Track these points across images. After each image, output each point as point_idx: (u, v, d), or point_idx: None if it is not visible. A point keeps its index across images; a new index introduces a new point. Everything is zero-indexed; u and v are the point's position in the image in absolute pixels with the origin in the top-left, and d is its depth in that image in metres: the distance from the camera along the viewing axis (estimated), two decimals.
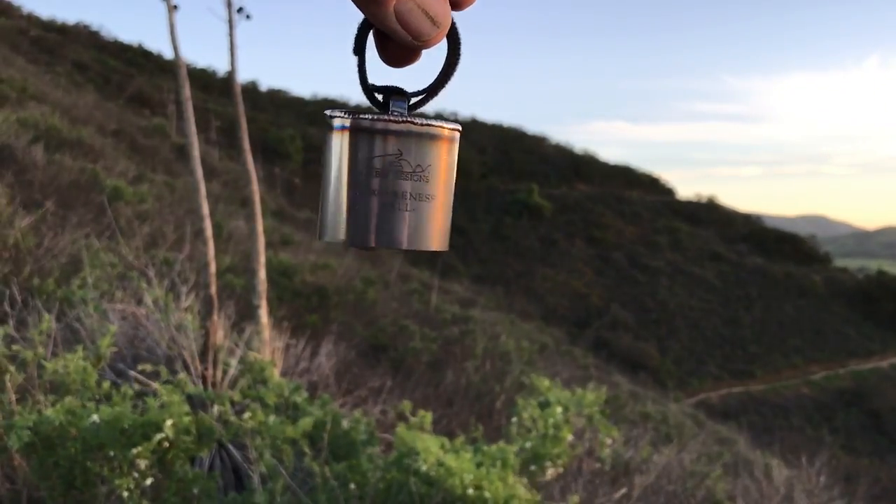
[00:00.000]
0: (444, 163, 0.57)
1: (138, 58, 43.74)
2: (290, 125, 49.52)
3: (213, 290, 4.29)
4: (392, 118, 0.55)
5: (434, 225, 0.56)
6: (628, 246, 56.14)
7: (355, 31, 0.56)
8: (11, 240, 5.43)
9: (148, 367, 3.43)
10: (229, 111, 5.36)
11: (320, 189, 0.58)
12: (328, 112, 0.56)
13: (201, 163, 4.73)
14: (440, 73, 0.57)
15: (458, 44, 0.56)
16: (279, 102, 57.94)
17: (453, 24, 0.54)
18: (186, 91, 4.69)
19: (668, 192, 73.72)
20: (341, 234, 0.56)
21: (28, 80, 15.83)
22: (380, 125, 0.54)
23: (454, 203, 0.59)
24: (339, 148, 0.55)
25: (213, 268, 4.40)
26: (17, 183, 7.26)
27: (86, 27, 44.34)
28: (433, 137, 0.56)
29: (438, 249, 0.57)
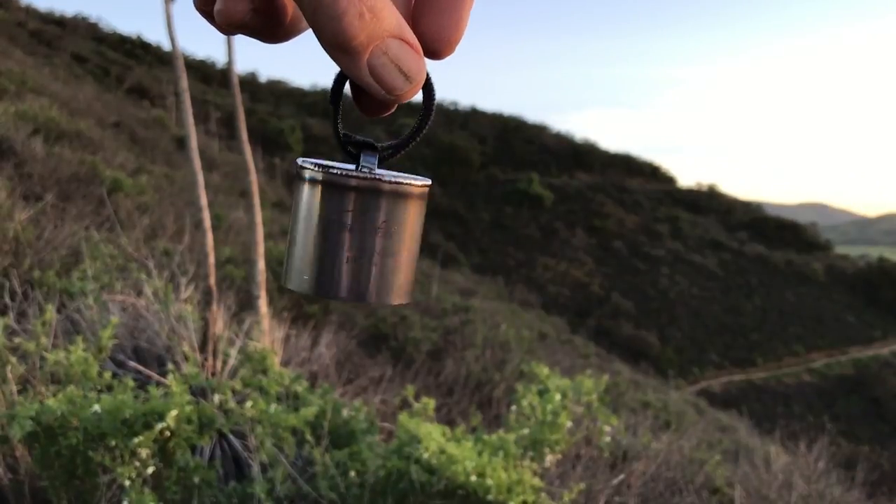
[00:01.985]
0: (411, 218, 0.57)
1: (137, 49, 43.67)
2: (290, 116, 49.50)
3: (213, 280, 4.31)
4: (361, 174, 0.54)
5: (399, 280, 0.57)
6: (629, 235, 56.11)
7: (332, 83, 0.56)
8: (11, 232, 5.44)
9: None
10: (229, 102, 5.37)
11: (288, 235, 0.58)
12: (299, 161, 0.57)
13: (201, 154, 4.74)
14: (413, 127, 0.57)
15: (433, 98, 0.56)
16: (279, 93, 57.88)
17: (428, 77, 0.54)
18: (184, 82, 4.69)
19: (668, 181, 73.63)
20: (306, 284, 0.56)
21: (27, 73, 15.81)
22: (351, 181, 0.54)
23: (419, 255, 0.59)
24: (307, 199, 0.56)
25: (212, 259, 4.41)
26: (16, 175, 7.27)
27: (84, 19, 44.29)
28: (401, 195, 0.56)
29: (401, 303, 0.58)
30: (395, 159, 0.59)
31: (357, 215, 0.54)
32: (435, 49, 0.54)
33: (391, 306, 0.58)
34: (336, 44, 0.49)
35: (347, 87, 0.56)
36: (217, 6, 0.52)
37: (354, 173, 0.55)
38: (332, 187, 0.55)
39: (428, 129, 0.58)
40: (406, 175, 0.57)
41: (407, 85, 0.51)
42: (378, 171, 0.56)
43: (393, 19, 0.50)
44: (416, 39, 0.52)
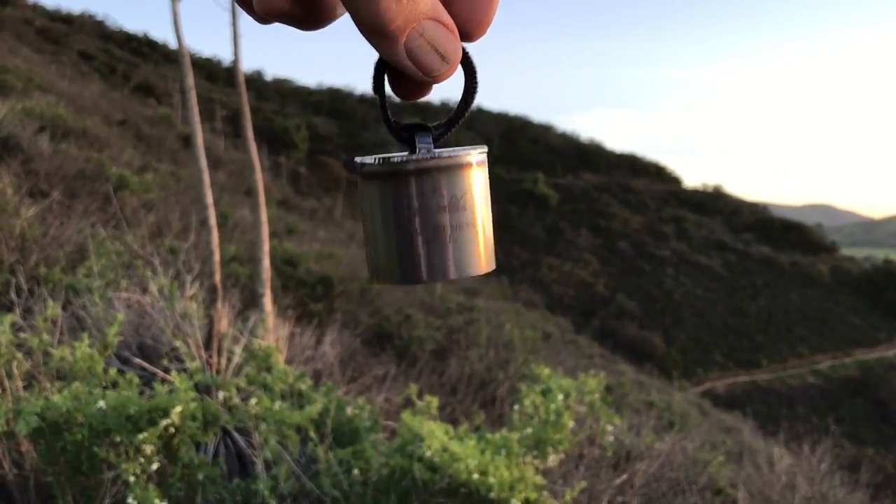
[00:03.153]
0: (477, 188, 0.58)
1: (143, 47, 43.73)
2: (295, 114, 49.51)
3: (217, 278, 4.32)
4: (419, 156, 0.56)
5: (478, 249, 0.57)
6: (634, 235, 56.05)
7: (373, 71, 0.56)
8: (18, 229, 5.46)
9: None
10: (235, 101, 5.38)
11: (364, 233, 0.59)
12: (358, 159, 0.58)
13: (206, 152, 4.75)
14: (459, 103, 0.58)
15: (475, 74, 0.57)
16: (285, 92, 57.89)
17: (467, 55, 0.55)
18: (190, 80, 4.70)
19: (674, 181, 73.56)
20: (394, 275, 0.57)
21: (33, 70, 15.85)
22: (411, 164, 0.55)
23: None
24: (375, 193, 0.56)
25: (217, 256, 4.42)
26: (23, 172, 7.29)
27: (91, 17, 44.34)
28: (462, 166, 0.57)
29: (487, 272, 0.58)
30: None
31: (423, 197, 0.55)
32: (467, 31, 0.55)
33: (479, 277, 0.59)
34: (374, 28, 0.50)
35: None
36: None
37: (412, 157, 0.56)
38: (394, 176, 0.56)
39: (474, 102, 0.59)
40: (462, 147, 0.58)
41: (444, 66, 0.53)
42: (435, 150, 0.57)
43: (428, 1, 0.51)
44: (451, 20, 0.53)
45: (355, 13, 0.50)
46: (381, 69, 0.56)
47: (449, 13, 0.53)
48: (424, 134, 0.58)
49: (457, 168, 0.56)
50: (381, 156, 0.57)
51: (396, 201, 0.55)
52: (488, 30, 0.56)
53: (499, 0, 0.56)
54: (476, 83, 0.58)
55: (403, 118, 0.58)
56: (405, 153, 0.57)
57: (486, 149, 0.60)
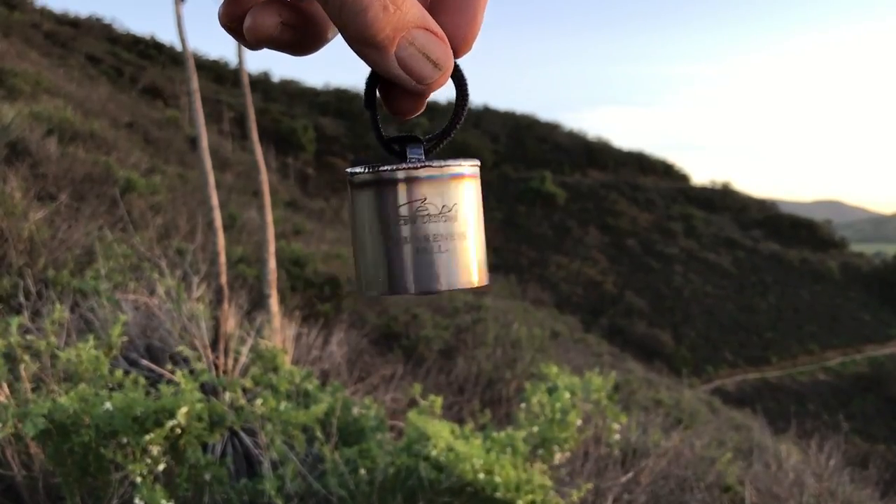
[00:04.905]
0: (468, 200, 0.57)
1: (151, 50, 43.86)
2: (302, 115, 49.60)
3: (224, 279, 4.34)
4: (411, 165, 0.55)
5: (468, 261, 0.57)
6: (642, 233, 55.95)
7: (364, 86, 0.56)
8: (26, 232, 5.49)
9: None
10: (242, 102, 5.40)
11: (353, 244, 0.58)
12: (349, 169, 0.57)
13: (214, 154, 4.78)
14: (451, 116, 0.58)
15: (465, 85, 0.57)
16: (292, 93, 57.97)
17: (457, 66, 0.55)
18: (194, 83, 4.72)
19: (682, 179, 73.38)
20: (381, 285, 0.56)
21: (41, 74, 15.92)
22: (401, 174, 0.55)
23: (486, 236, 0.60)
24: (365, 202, 0.56)
25: (223, 258, 4.44)
26: (31, 176, 7.33)
27: (98, 20, 44.56)
28: (454, 177, 0.56)
29: (478, 286, 0.58)
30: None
31: (415, 206, 0.55)
32: (451, 47, 0.55)
33: (470, 289, 0.58)
34: (363, 39, 0.50)
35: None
36: (246, 23, 0.53)
37: (403, 165, 0.55)
38: (385, 184, 0.55)
39: (465, 115, 0.58)
40: (454, 159, 0.58)
41: (436, 73, 0.53)
42: (426, 160, 0.56)
43: (416, 10, 0.51)
44: (440, 28, 0.53)
45: (344, 27, 0.50)
46: (372, 84, 0.56)
47: None
48: (416, 145, 0.58)
49: (448, 178, 0.56)
50: (371, 164, 0.57)
51: (386, 210, 0.55)
52: (473, 46, 0.56)
53: (483, 16, 0.56)
54: (467, 95, 0.57)
55: (410, 122, 0.58)
56: (397, 162, 0.57)
57: (478, 162, 0.59)
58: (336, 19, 0.50)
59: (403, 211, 0.55)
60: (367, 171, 0.56)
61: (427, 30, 0.52)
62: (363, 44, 0.51)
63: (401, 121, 0.58)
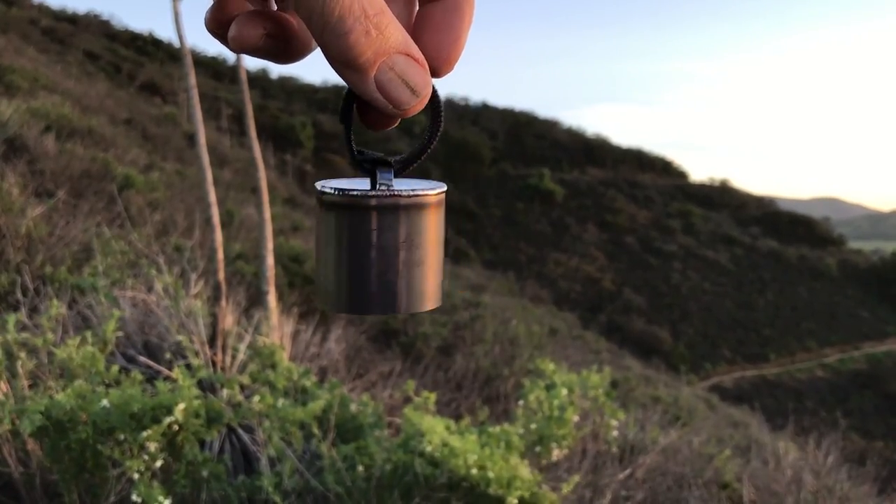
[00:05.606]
0: (432, 227, 0.58)
1: (149, 46, 43.79)
2: (301, 112, 49.60)
3: (222, 276, 4.33)
4: (379, 192, 0.56)
5: (428, 287, 0.58)
6: (641, 230, 55.98)
7: (342, 101, 0.57)
8: (24, 228, 5.49)
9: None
10: (240, 99, 5.40)
11: (316, 256, 0.59)
12: (319, 185, 0.58)
13: (212, 151, 4.77)
14: (424, 140, 0.58)
15: (440, 111, 0.57)
16: (290, 89, 57.95)
17: (435, 91, 0.55)
18: (192, 79, 4.72)
19: (680, 176, 73.42)
20: (341, 303, 0.57)
21: (39, 70, 15.90)
22: (371, 201, 0.55)
23: (443, 259, 0.61)
24: (331, 222, 0.57)
25: (220, 254, 4.44)
26: (29, 172, 7.32)
27: (96, 16, 44.45)
28: (421, 207, 0.57)
29: (433, 308, 0.59)
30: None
31: (381, 233, 0.56)
32: (434, 67, 0.55)
33: (425, 312, 0.59)
34: (344, 61, 0.50)
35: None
36: (231, 32, 0.54)
37: (374, 192, 0.56)
38: (353, 209, 0.56)
39: (437, 141, 0.59)
40: (422, 183, 0.59)
41: (414, 99, 0.53)
42: (395, 186, 0.57)
43: (399, 35, 0.51)
44: (421, 55, 0.53)
45: (326, 47, 0.50)
46: (349, 100, 0.57)
47: None
48: (386, 169, 0.58)
49: (415, 208, 0.57)
50: (342, 184, 0.57)
51: (353, 234, 0.56)
52: (455, 66, 0.57)
53: (466, 37, 0.56)
54: (441, 120, 0.58)
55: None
56: (366, 186, 0.57)
57: (444, 187, 0.60)
58: (318, 39, 0.50)
59: (372, 237, 0.56)
60: (336, 193, 0.56)
61: (408, 55, 0.52)
62: (343, 65, 0.51)
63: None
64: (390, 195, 0.56)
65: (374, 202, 0.56)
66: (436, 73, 0.55)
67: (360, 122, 0.58)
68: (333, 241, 0.57)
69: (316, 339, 5.50)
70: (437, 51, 0.55)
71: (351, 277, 0.56)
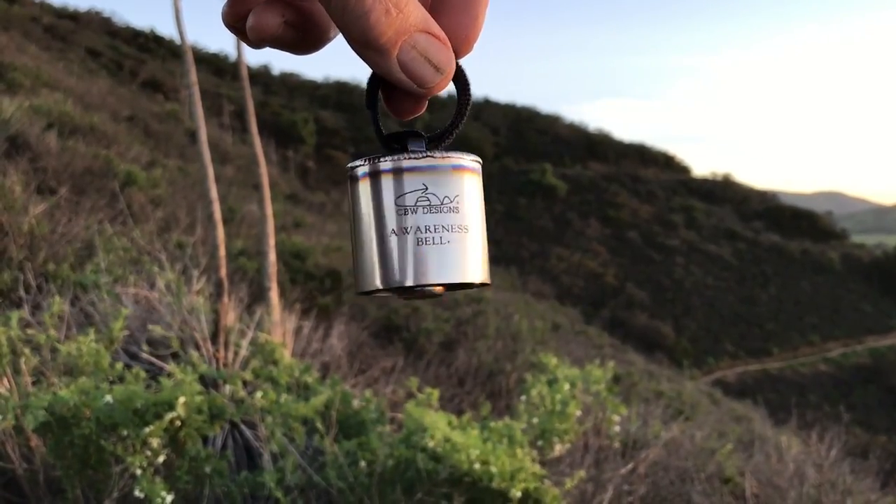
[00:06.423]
0: (471, 193, 0.57)
1: (150, 43, 43.76)
2: (303, 108, 49.51)
3: (224, 272, 4.34)
4: (412, 156, 0.55)
5: (473, 256, 0.56)
6: (643, 225, 55.92)
7: (366, 86, 0.56)
8: (26, 226, 5.49)
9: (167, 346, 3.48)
10: (242, 95, 5.40)
11: (352, 241, 0.57)
12: (350, 164, 0.57)
13: (214, 147, 4.78)
14: (452, 117, 0.58)
15: (467, 86, 0.57)
16: (292, 86, 57.87)
17: (459, 67, 0.55)
18: (193, 76, 4.72)
19: (683, 170, 73.30)
20: (378, 280, 0.55)
21: (41, 68, 15.89)
22: (403, 163, 0.55)
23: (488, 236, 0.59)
24: (366, 195, 0.55)
25: (222, 251, 4.44)
26: (31, 170, 7.32)
27: (98, 13, 44.41)
28: (456, 168, 0.56)
29: (478, 283, 0.56)
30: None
31: (416, 195, 0.54)
32: (453, 47, 0.55)
33: (475, 286, 0.57)
34: (365, 42, 0.50)
35: None
36: (249, 22, 0.53)
37: (406, 156, 0.55)
38: (386, 174, 0.55)
39: (467, 116, 0.58)
40: (455, 151, 0.57)
41: (438, 76, 0.53)
42: (427, 151, 0.56)
43: (418, 14, 0.51)
44: (442, 32, 0.53)
45: (346, 30, 0.50)
46: (374, 85, 0.56)
47: None
48: (417, 140, 0.57)
49: (450, 169, 0.56)
50: (371, 156, 0.56)
51: (386, 201, 0.55)
52: (474, 46, 0.56)
53: (484, 16, 0.56)
54: (469, 97, 0.57)
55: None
56: (398, 154, 0.56)
57: (480, 159, 0.59)
58: (338, 22, 0.50)
59: (403, 200, 0.54)
60: (366, 162, 0.56)
61: (429, 33, 0.52)
62: (365, 47, 0.51)
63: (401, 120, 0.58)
64: (423, 156, 0.55)
65: (404, 164, 0.55)
66: (456, 53, 0.55)
67: (386, 112, 0.57)
68: (366, 213, 0.55)
69: (318, 335, 5.51)
70: (455, 31, 0.55)
71: (386, 247, 0.54)
